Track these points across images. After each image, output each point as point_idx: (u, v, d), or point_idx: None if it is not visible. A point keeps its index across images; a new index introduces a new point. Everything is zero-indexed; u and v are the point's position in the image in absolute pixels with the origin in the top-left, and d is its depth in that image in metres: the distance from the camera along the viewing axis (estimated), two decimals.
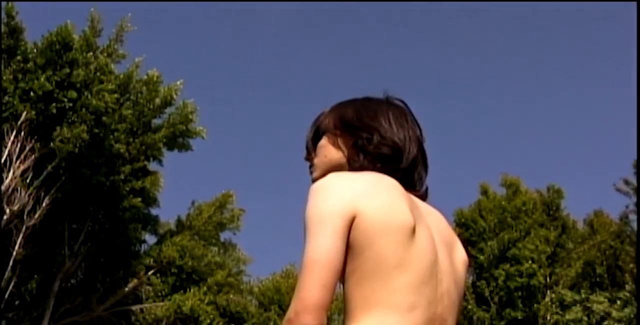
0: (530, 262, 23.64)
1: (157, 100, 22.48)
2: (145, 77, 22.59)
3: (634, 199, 22.78)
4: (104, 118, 20.71)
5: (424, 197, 1.89)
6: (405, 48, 48.28)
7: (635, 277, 22.06)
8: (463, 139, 46.25)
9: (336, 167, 1.87)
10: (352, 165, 1.84)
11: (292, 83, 48.29)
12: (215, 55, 47.28)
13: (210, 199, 23.87)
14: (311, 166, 1.94)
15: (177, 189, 44.67)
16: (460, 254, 1.86)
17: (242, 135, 48.20)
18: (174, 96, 22.65)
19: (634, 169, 21.59)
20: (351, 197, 1.66)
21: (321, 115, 1.97)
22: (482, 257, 24.58)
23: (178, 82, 22.82)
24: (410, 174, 1.85)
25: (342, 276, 1.64)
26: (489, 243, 24.49)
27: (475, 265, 24.79)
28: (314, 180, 1.83)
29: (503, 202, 25.14)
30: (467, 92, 45.86)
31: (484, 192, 25.85)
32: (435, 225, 1.80)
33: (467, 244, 24.59)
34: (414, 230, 1.67)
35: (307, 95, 45.16)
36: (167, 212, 40.80)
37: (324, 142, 1.91)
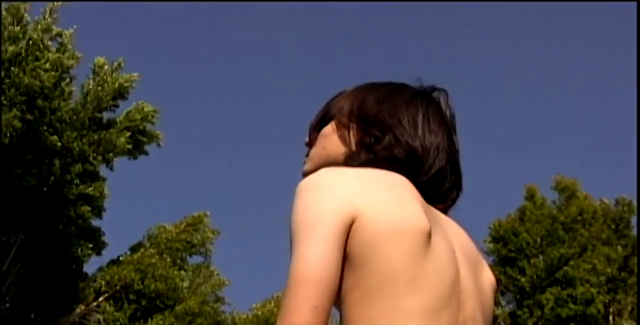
0: (587, 285, 20.08)
1: (108, 90, 18.82)
2: (91, 66, 19.20)
3: None
4: (39, 101, 17.20)
5: (445, 211, 1.60)
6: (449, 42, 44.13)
7: None
8: (507, 138, 41.65)
9: (331, 165, 1.59)
10: (349, 163, 1.56)
11: (277, 83, 44.19)
12: (186, 53, 42.93)
13: (178, 219, 20.54)
14: (306, 156, 1.69)
15: (130, 205, 40.05)
16: (487, 274, 1.60)
17: (213, 145, 43.73)
18: (130, 87, 19.11)
19: None
20: (349, 194, 1.42)
21: (339, 94, 1.70)
22: (523, 279, 21.03)
23: (135, 74, 19.20)
24: (431, 189, 1.56)
25: (337, 295, 1.40)
26: (532, 260, 20.78)
27: (514, 290, 21.27)
28: (304, 174, 1.62)
29: (554, 211, 21.47)
30: (519, 80, 41.40)
31: (530, 196, 22.05)
32: (456, 237, 1.54)
33: (504, 262, 21.19)
34: (429, 238, 1.42)
35: (297, 96, 40.92)
36: (115, 232, 36.52)
37: (329, 129, 1.64)
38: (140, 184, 40.34)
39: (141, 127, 18.80)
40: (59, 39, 18.59)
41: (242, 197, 43.79)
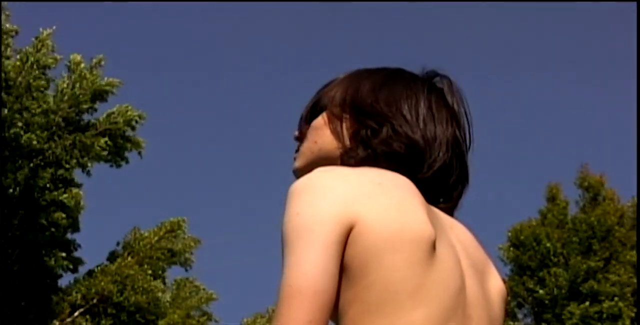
0: (617, 299, 18.64)
1: (87, 89, 17.49)
2: (67, 63, 17.77)
3: None
4: (3, 94, 16.12)
5: (450, 211, 1.52)
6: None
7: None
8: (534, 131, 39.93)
9: (324, 160, 1.50)
10: (346, 161, 1.48)
11: (263, 83, 42.54)
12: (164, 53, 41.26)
13: (155, 225, 19.16)
14: (296, 152, 1.59)
15: (101, 212, 38.51)
16: (495, 282, 1.51)
17: (194, 149, 42.02)
18: (110, 92, 17.71)
19: None
20: (348, 198, 1.33)
21: (331, 82, 1.59)
22: (542, 291, 19.50)
23: (117, 80, 17.91)
24: (434, 186, 1.48)
25: (335, 310, 1.31)
26: (553, 270, 19.10)
27: (533, 303, 19.75)
28: (295, 172, 1.55)
29: (578, 214, 19.96)
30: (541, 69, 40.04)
31: (552, 198, 20.45)
32: (461, 242, 1.45)
33: (524, 272, 19.83)
34: (434, 247, 1.34)
35: (284, 97, 39.38)
36: (89, 241, 34.60)
37: (320, 121, 1.54)
38: (110, 190, 39.00)
39: (121, 132, 17.48)
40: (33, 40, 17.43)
41: (229, 205, 42.48)
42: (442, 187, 1.49)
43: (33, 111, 16.70)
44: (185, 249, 19.00)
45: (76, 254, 17.68)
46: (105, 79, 17.61)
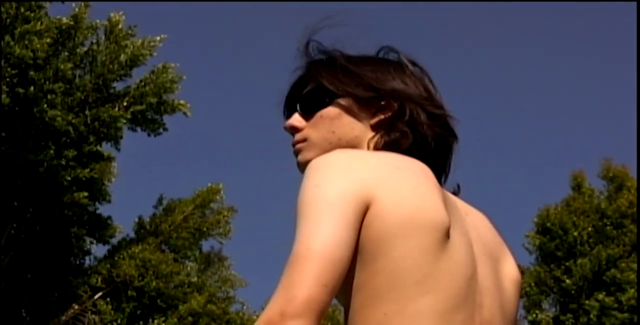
0: (632, 291, 18.38)
1: (122, 57, 17.03)
2: (106, 22, 17.13)
3: None
4: (31, 73, 15.76)
5: (456, 192, 1.55)
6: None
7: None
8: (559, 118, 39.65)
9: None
10: (371, 148, 1.49)
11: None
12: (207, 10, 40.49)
13: (189, 195, 18.81)
14: (299, 142, 1.54)
15: (139, 183, 37.69)
16: (510, 270, 1.51)
17: (234, 111, 41.38)
18: (147, 54, 17.17)
19: None
20: (365, 179, 1.34)
21: (316, 70, 1.54)
22: (569, 281, 19.33)
23: (157, 38, 17.36)
24: (440, 162, 1.53)
25: (345, 295, 1.33)
26: (578, 261, 18.91)
27: (559, 293, 19.62)
28: (301, 165, 1.51)
29: (602, 204, 19.65)
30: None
31: (577, 186, 20.18)
32: (476, 229, 1.46)
33: (550, 260, 19.57)
34: (447, 234, 1.35)
35: None
36: (122, 214, 34.19)
37: (333, 111, 1.51)
38: (144, 162, 38.15)
39: (154, 100, 16.88)
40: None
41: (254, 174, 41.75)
42: (445, 163, 1.53)
43: (58, 90, 16.50)
44: (218, 223, 18.67)
45: (105, 231, 17.48)
46: (142, 40, 17.07)
